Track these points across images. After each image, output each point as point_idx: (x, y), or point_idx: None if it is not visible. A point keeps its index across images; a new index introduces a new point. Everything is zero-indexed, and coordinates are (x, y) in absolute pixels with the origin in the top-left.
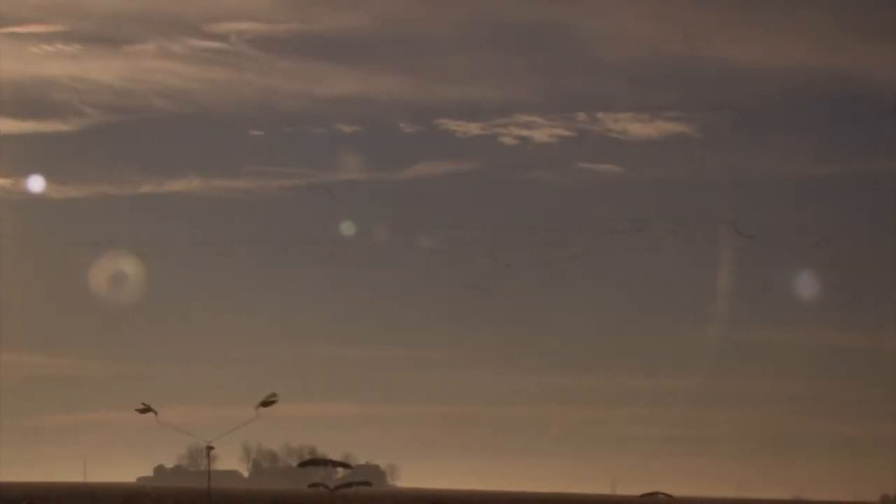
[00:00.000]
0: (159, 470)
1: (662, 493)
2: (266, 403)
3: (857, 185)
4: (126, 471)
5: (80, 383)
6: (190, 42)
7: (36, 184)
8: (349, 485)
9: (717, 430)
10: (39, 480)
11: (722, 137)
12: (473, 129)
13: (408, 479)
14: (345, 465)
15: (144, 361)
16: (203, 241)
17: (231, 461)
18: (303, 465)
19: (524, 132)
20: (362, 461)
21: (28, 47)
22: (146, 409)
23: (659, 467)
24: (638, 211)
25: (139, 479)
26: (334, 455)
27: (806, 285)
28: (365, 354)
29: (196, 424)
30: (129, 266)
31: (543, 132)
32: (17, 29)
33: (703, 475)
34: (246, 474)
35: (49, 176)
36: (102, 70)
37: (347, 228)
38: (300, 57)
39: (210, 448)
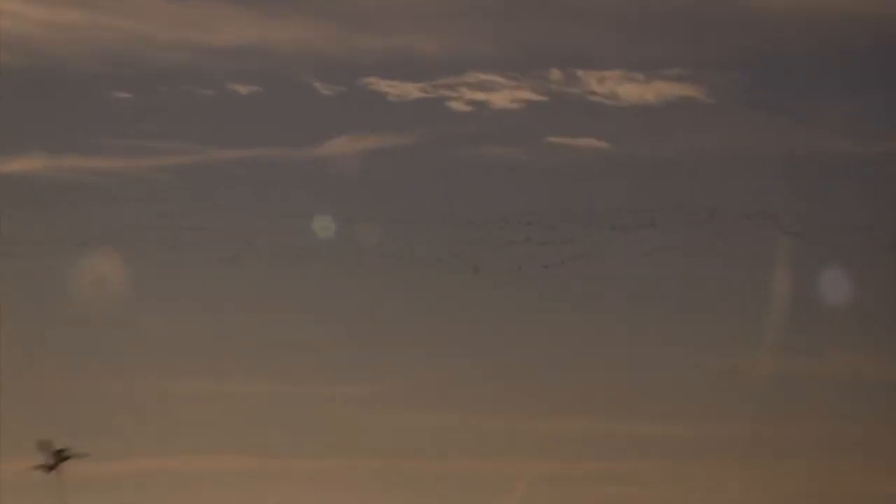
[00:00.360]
0: None
1: None
2: (59, 460)
3: None
4: None
5: None
6: None
7: None
8: None
9: (739, 489)
10: None
11: (741, 103)
12: (412, 91)
13: None
14: None
15: None
16: (50, 235)
17: None
18: None
19: (480, 96)
20: None
21: None
22: (52, 466)
23: None
24: (636, 200)
25: None
26: None
27: (866, 298)
28: (265, 389)
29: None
30: None
31: (505, 95)
32: None
33: None
34: None
35: None
36: None
37: (323, 227)
38: None
39: None
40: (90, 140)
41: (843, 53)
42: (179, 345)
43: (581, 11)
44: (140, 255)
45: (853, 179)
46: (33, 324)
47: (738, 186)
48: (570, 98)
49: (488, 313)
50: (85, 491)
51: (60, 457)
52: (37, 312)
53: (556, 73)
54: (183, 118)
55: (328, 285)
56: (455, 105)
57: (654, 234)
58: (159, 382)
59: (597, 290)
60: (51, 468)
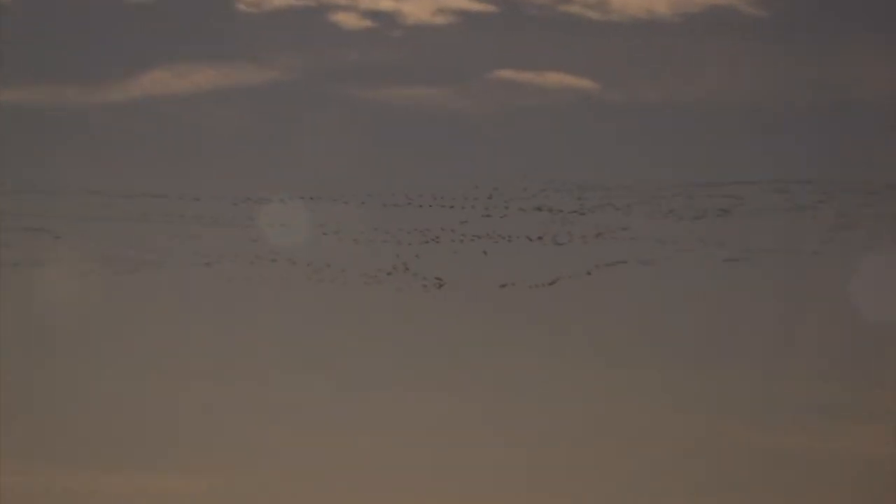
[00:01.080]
0: None
1: None
2: None
3: None
4: None
5: None
6: None
7: None
8: None
9: None
10: None
11: (802, 18)
12: None
13: None
14: None
15: None
16: None
17: None
18: None
19: (385, 4)
20: None
21: None
22: None
23: None
24: (663, 174)
25: None
26: None
27: None
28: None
29: None
30: None
31: (425, 5)
32: None
33: None
34: None
35: None
36: None
37: (154, 215)
38: None
39: None
40: None
41: None
42: None
43: None
44: None
45: None
46: None
47: (819, 151)
48: (530, 8)
49: (455, 359)
50: None
51: None
52: None
53: None
54: None
55: (182, 309)
56: (346, 19)
57: (722, 227)
58: None
59: (639, 322)
60: None
